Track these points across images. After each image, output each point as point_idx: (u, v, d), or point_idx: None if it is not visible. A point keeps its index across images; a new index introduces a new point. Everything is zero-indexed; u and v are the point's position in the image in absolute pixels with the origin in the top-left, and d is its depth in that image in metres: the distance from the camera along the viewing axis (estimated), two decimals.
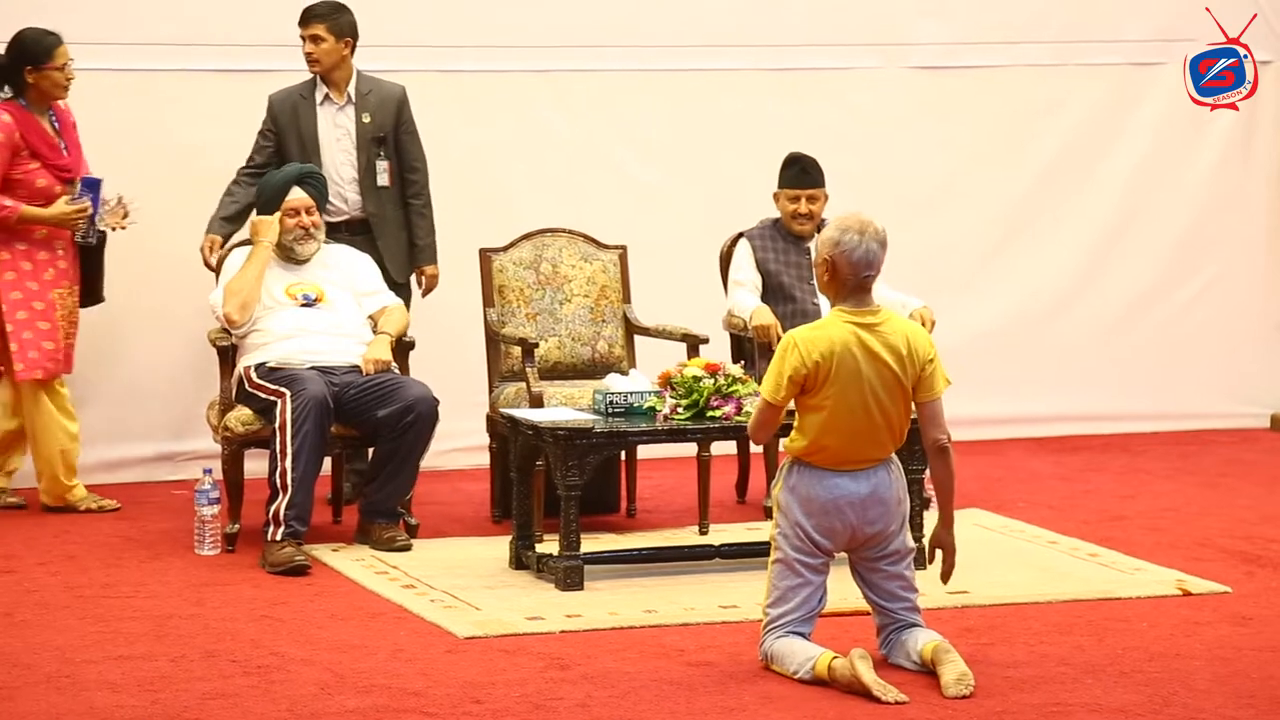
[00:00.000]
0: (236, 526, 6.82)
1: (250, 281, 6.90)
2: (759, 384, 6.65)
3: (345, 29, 7.42)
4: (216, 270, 7.22)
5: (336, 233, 7.35)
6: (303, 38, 7.43)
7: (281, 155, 7.44)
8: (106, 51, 7.80)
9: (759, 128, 8.50)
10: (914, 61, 8.78)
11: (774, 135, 8.26)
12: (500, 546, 6.71)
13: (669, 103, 8.53)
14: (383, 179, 7.45)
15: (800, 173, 7.51)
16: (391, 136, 7.47)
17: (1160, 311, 9.12)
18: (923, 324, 7.46)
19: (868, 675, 5.13)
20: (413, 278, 7.56)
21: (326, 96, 7.47)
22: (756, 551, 6.53)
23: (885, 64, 8.75)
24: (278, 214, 6.98)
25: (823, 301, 7.49)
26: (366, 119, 7.45)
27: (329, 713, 5.02)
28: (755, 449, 7.54)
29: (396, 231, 7.49)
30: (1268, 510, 7.49)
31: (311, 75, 7.47)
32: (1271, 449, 8.81)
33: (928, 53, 8.79)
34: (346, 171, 7.45)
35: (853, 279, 5.32)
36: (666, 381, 6.51)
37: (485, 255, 7.51)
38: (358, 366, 6.87)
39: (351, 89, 7.47)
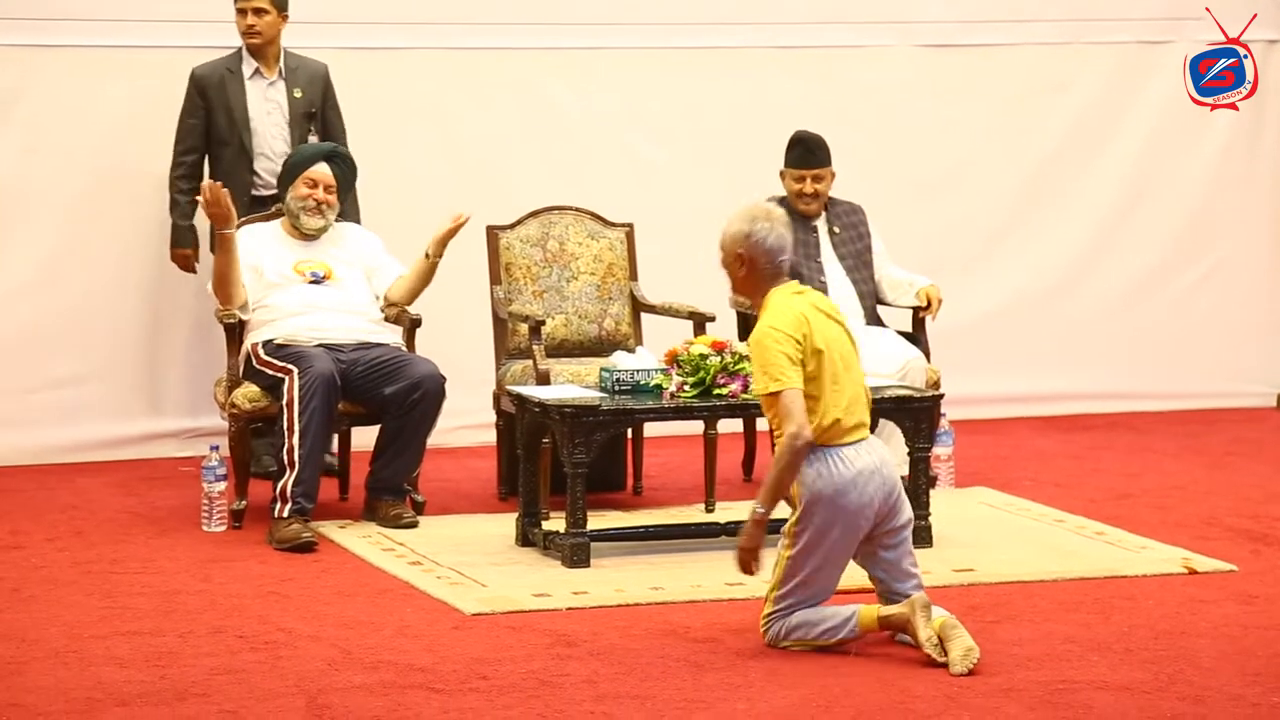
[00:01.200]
0: (244, 503, 6.83)
1: (222, 273, 6.82)
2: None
3: (284, 3, 7.48)
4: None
5: (264, 208, 7.35)
6: (242, 10, 7.45)
7: (209, 132, 7.47)
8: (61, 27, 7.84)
9: (767, 105, 8.49)
10: (923, 39, 8.77)
11: (782, 113, 8.24)
12: (507, 523, 6.72)
13: (677, 80, 8.51)
14: None
15: (805, 153, 7.50)
16: (320, 112, 7.53)
17: (1168, 291, 9.11)
18: (929, 302, 7.48)
19: (924, 631, 5.19)
20: None
21: (257, 71, 7.50)
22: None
23: (894, 42, 8.74)
24: (225, 189, 6.78)
25: (830, 280, 7.49)
26: (298, 94, 7.51)
27: (336, 688, 5.03)
28: (762, 427, 7.53)
29: None
30: (1274, 489, 7.50)
31: (235, 50, 7.52)
32: (1278, 428, 8.80)
33: (936, 30, 8.77)
34: (279, 146, 7.49)
35: (770, 266, 5.31)
36: (673, 359, 6.51)
37: (492, 233, 7.51)
38: (365, 343, 6.87)
39: (281, 64, 7.52)
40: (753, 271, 5.31)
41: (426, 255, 6.98)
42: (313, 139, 7.47)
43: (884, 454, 5.40)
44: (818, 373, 5.27)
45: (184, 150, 7.51)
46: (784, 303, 5.31)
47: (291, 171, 7.01)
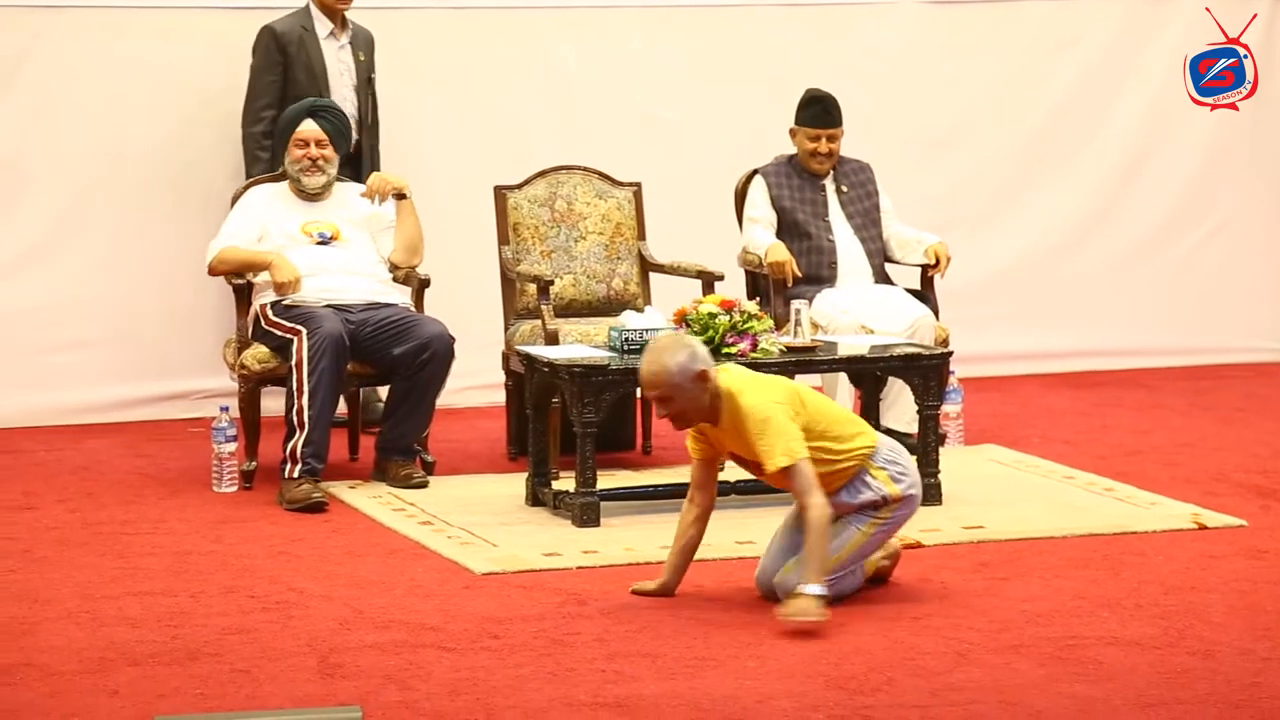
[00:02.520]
0: (254, 464, 6.84)
1: (238, 264, 6.87)
2: (774, 321, 6.69)
3: None
4: (233, 202, 7.17)
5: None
6: None
7: (286, 89, 7.47)
8: None
9: (774, 63, 8.46)
10: None
11: (789, 70, 8.22)
12: (516, 483, 6.73)
13: (683, 38, 8.49)
14: (370, 117, 7.61)
15: (822, 112, 7.48)
16: (373, 78, 7.60)
17: (1177, 246, 9.10)
18: (938, 260, 7.47)
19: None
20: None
21: (331, 32, 7.54)
22: (770, 488, 6.52)
23: None
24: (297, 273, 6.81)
25: (838, 238, 7.48)
26: (362, 57, 7.57)
27: (347, 647, 5.05)
28: None
29: (372, 169, 7.58)
30: None
31: (303, 7, 7.55)
32: None
33: None
34: (348, 108, 7.53)
35: (714, 371, 5.34)
36: (682, 318, 6.51)
37: (500, 192, 7.50)
38: (374, 304, 6.87)
39: (349, 27, 7.58)
40: (712, 384, 5.32)
41: (393, 199, 6.99)
42: (369, 102, 7.53)
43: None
44: (820, 419, 5.38)
45: (263, 106, 7.51)
46: (749, 378, 5.40)
47: (282, 136, 7.02)
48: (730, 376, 5.39)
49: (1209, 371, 8.96)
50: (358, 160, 7.56)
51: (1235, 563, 5.84)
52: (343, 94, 7.51)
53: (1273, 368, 9.11)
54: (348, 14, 7.62)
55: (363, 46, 7.59)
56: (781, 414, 5.29)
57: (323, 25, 7.54)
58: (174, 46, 7.91)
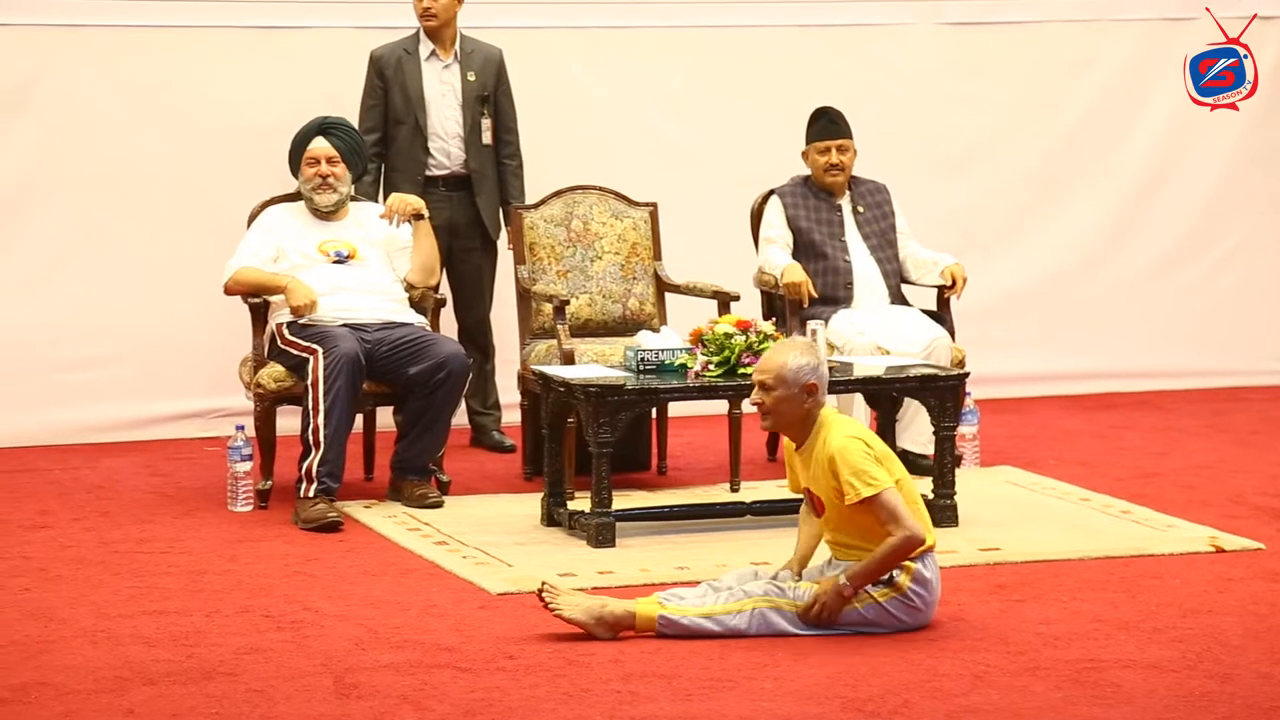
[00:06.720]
0: (269, 483, 6.84)
1: (254, 286, 6.87)
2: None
3: None
4: (249, 221, 7.18)
5: (435, 188, 7.52)
6: None
7: (386, 112, 7.55)
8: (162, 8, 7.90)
9: (790, 84, 8.47)
10: (946, 17, 8.74)
11: (805, 91, 8.21)
12: (532, 504, 6.72)
13: (699, 59, 8.50)
14: (486, 137, 7.62)
15: (829, 123, 7.50)
16: (493, 96, 7.60)
17: (1193, 268, 9.09)
18: (954, 281, 7.47)
19: None
20: (503, 236, 7.68)
21: (433, 53, 7.60)
22: (787, 509, 6.52)
23: (917, 20, 8.72)
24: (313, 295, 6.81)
25: (854, 259, 7.47)
26: (471, 77, 7.59)
27: (363, 667, 5.04)
28: None
29: (493, 189, 7.65)
30: None
31: (414, 32, 7.60)
32: None
33: (960, 8, 8.75)
34: (451, 127, 7.57)
35: (825, 394, 5.37)
36: (698, 338, 6.51)
37: (516, 212, 7.50)
38: (390, 323, 6.87)
39: (457, 47, 7.60)
40: (815, 400, 5.34)
41: (410, 221, 6.98)
42: (485, 121, 7.56)
43: None
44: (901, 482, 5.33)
45: (367, 130, 7.53)
46: (842, 418, 5.40)
47: (294, 157, 7.02)
48: (831, 413, 5.37)
49: (1226, 394, 8.94)
50: (467, 180, 7.57)
51: (1253, 585, 5.82)
52: (444, 113, 7.56)
53: None
54: (469, 34, 7.65)
55: (476, 66, 7.59)
56: (861, 448, 5.23)
57: (426, 46, 7.60)
58: (187, 65, 7.93)
